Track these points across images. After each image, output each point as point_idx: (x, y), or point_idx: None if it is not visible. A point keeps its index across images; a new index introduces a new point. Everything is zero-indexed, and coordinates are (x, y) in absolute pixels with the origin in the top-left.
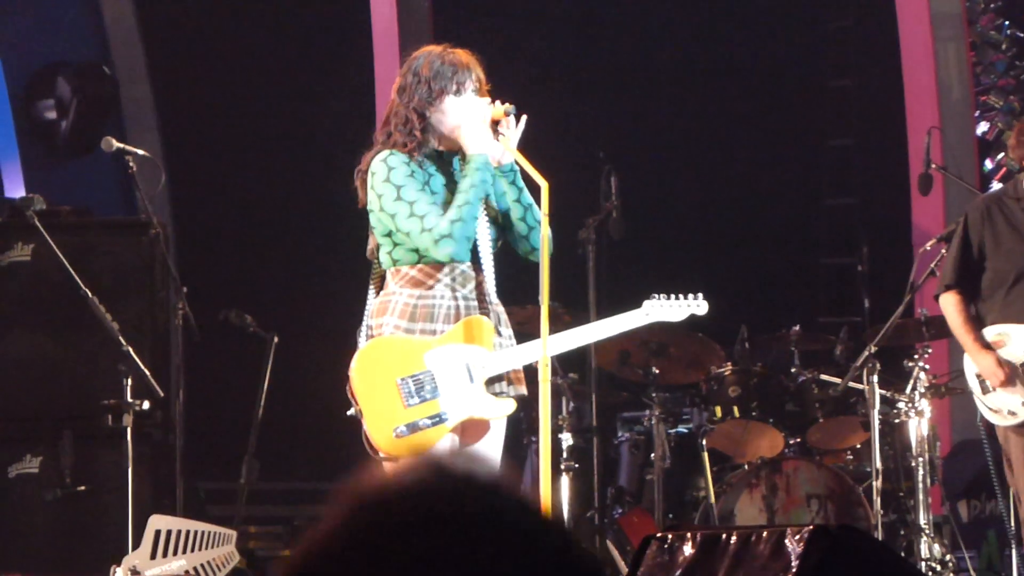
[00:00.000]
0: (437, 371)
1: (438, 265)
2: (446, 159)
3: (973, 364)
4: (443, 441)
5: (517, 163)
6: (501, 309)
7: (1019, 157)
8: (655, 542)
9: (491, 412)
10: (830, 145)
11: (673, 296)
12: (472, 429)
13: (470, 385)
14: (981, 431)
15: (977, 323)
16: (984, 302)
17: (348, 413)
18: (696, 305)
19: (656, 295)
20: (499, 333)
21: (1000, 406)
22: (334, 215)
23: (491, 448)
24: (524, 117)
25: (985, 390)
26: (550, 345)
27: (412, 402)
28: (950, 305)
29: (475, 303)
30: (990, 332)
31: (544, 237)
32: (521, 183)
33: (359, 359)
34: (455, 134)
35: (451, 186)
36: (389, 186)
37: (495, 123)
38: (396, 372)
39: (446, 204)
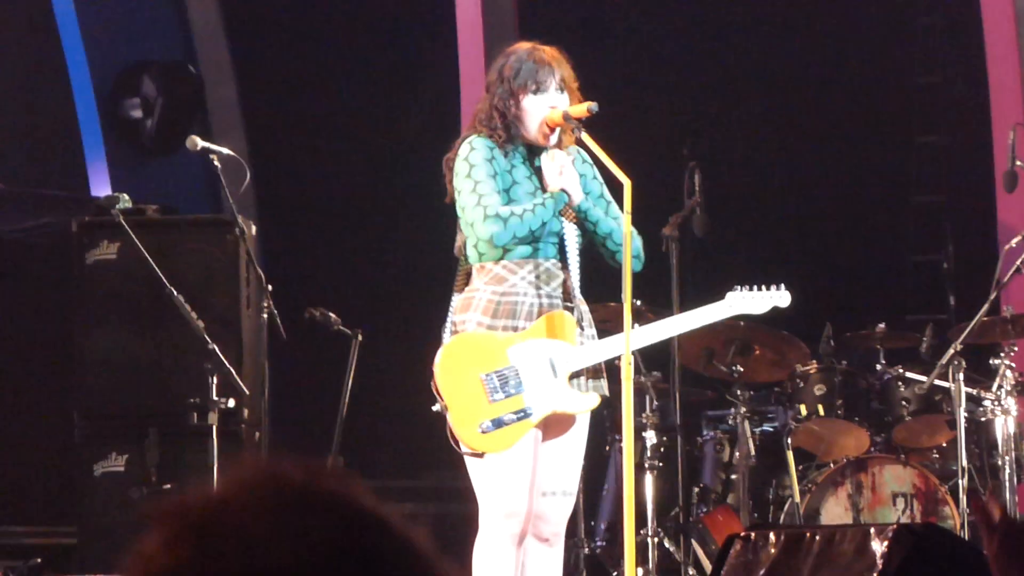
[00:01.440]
0: (521, 366)
1: (521, 261)
2: (532, 152)
3: None
4: (527, 437)
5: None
6: (585, 308)
7: None
8: (739, 541)
9: (575, 406)
10: (917, 142)
11: (756, 287)
12: (555, 425)
13: (554, 380)
14: None
15: None
16: None
17: (433, 409)
18: (779, 296)
19: (738, 287)
20: (582, 329)
21: None
22: (419, 213)
23: (574, 444)
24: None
25: None
26: (634, 338)
27: (497, 397)
28: None
29: (558, 300)
30: None
31: (627, 235)
32: (596, 216)
33: (443, 355)
34: (534, 131)
35: (533, 180)
36: (468, 180)
37: (579, 119)
38: (480, 368)
39: (524, 196)
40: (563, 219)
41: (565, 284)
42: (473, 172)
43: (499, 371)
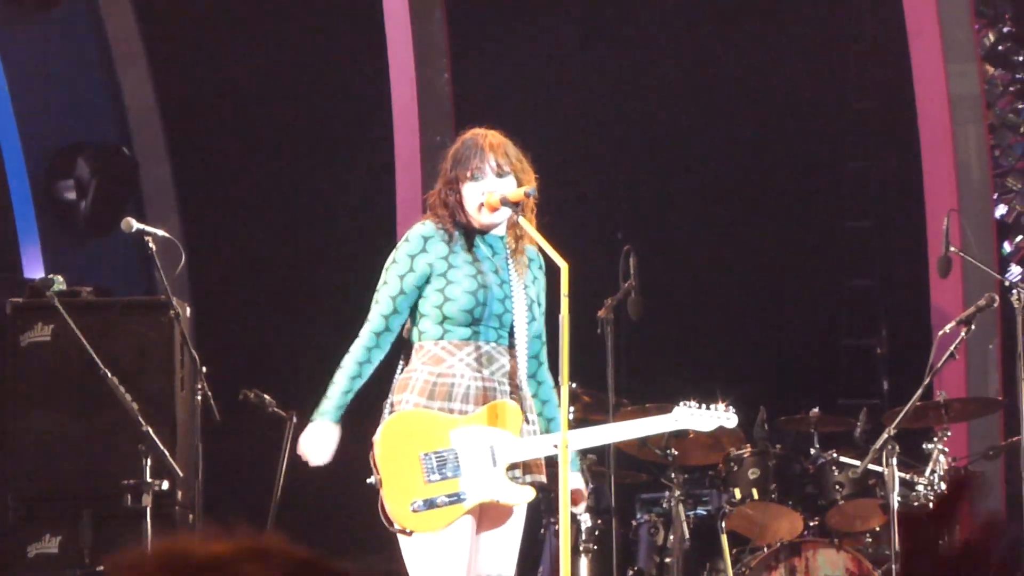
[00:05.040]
0: (461, 450)
1: (460, 343)
2: (479, 238)
3: None
4: (460, 521)
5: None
6: (528, 395)
7: None
8: None
9: (511, 498)
10: (849, 226)
11: (704, 406)
12: (492, 514)
13: (492, 468)
14: None
15: None
16: None
17: (368, 481)
18: (726, 418)
19: (686, 402)
20: (527, 420)
21: None
22: (355, 296)
23: (511, 532)
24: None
25: None
26: (576, 440)
27: (433, 478)
28: None
29: (497, 385)
30: None
31: (564, 318)
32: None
33: (385, 429)
34: (475, 216)
35: (476, 264)
36: (384, 273)
37: (516, 203)
38: (420, 447)
39: (463, 278)
40: (512, 302)
41: (506, 369)
42: (390, 269)
43: (439, 452)
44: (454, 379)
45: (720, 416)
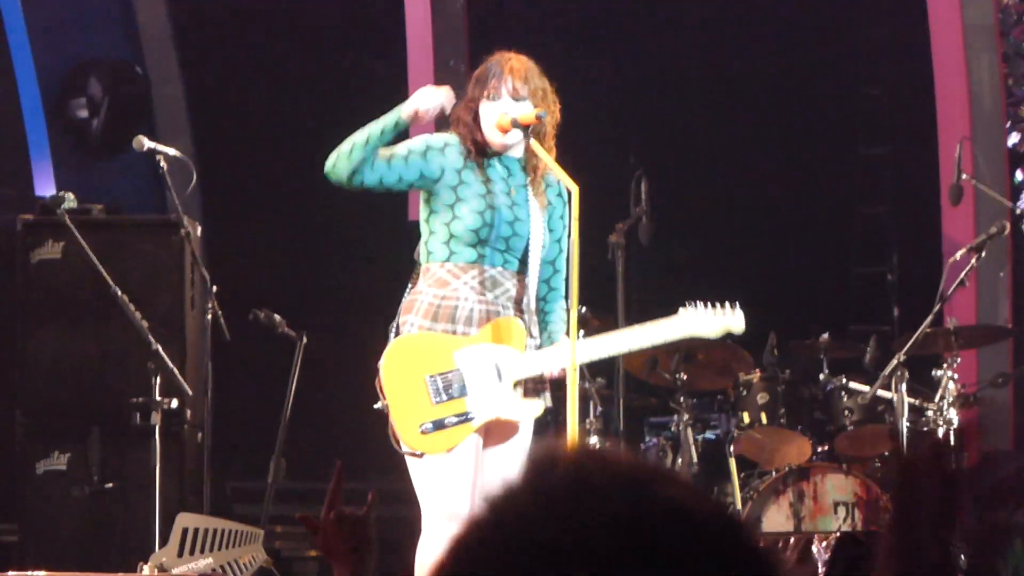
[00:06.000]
0: (466, 370)
1: (466, 266)
2: (496, 159)
3: None
4: (468, 440)
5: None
6: (535, 319)
7: None
8: None
9: (518, 414)
10: (862, 153)
11: (710, 305)
12: (498, 431)
13: (498, 385)
14: None
15: None
16: None
17: (375, 406)
18: (733, 320)
19: (691, 303)
20: (531, 335)
21: None
22: (365, 216)
23: (517, 450)
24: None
25: None
26: (585, 351)
27: (439, 399)
28: None
29: (501, 308)
30: None
31: (574, 244)
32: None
33: (389, 354)
34: (489, 135)
35: (488, 184)
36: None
37: (526, 127)
38: (425, 369)
39: (473, 196)
40: (528, 226)
41: (512, 293)
42: (405, 142)
43: (444, 374)
44: (458, 301)
45: (727, 318)
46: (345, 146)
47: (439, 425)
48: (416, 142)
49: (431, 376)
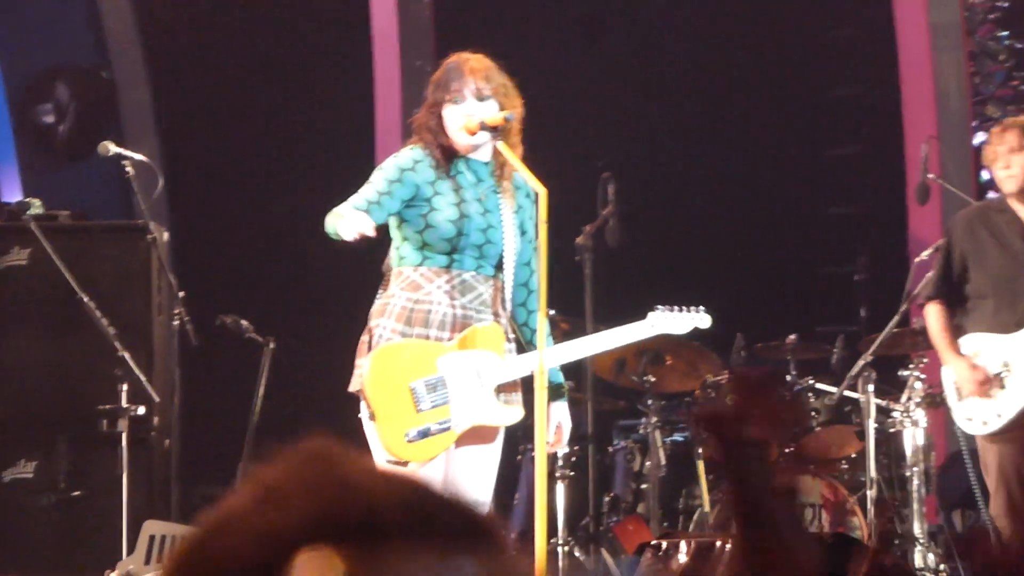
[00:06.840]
0: (449, 376)
1: (438, 271)
2: (465, 165)
3: (950, 372)
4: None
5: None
6: (507, 323)
7: (989, 160)
8: (650, 549)
9: (499, 419)
10: (830, 154)
11: (677, 308)
12: (474, 434)
13: (480, 391)
14: (962, 442)
15: (956, 332)
16: (966, 313)
17: (359, 416)
18: (700, 319)
19: (660, 307)
20: (508, 340)
21: (973, 415)
22: None
23: (490, 455)
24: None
25: (960, 397)
26: (555, 355)
27: (424, 407)
28: (932, 315)
29: (474, 313)
30: (967, 341)
31: (542, 244)
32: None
33: (373, 362)
34: (455, 140)
35: (459, 192)
36: (377, 172)
37: (495, 128)
38: (409, 376)
39: (449, 206)
40: (501, 232)
41: (485, 297)
42: (377, 174)
43: (427, 380)
44: (431, 306)
45: (695, 318)
46: (328, 228)
47: (424, 433)
48: (389, 171)
49: (415, 383)
